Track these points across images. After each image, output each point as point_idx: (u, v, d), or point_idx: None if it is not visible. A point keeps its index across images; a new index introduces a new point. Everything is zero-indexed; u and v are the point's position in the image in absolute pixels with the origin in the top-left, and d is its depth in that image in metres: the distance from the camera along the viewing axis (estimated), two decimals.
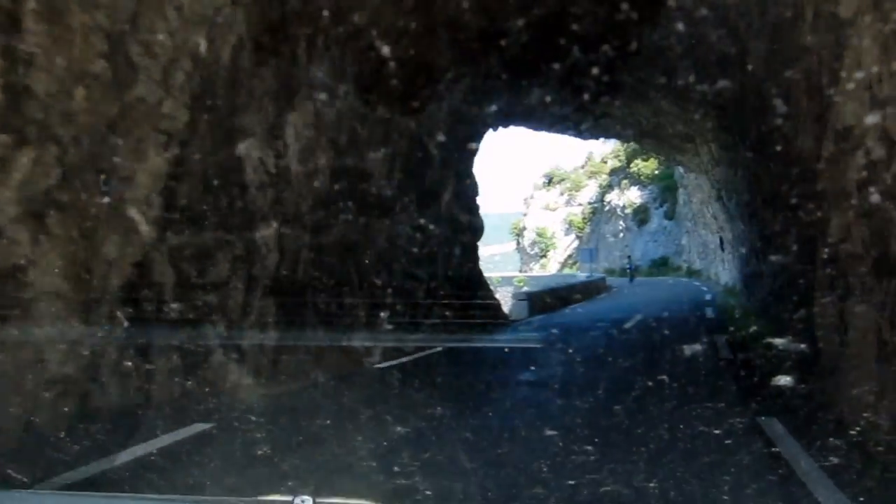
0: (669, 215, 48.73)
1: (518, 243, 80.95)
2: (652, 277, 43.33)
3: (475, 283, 15.48)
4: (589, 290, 27.03)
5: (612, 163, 66.49)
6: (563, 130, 19.51)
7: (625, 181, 58.16)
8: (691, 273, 38.87)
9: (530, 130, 19.83)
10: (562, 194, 76.72)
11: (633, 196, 56.31)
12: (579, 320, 15.50)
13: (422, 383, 7.66)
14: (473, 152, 15.50)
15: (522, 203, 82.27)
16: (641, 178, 55.24)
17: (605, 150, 72.85)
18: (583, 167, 76.77)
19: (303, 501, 1.31)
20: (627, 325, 14.22)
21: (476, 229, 15.64)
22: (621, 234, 57.09)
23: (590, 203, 69.71)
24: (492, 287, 53.69)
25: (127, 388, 5.71)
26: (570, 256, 70.19)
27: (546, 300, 19.85)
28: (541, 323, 15.35)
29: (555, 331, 13.41)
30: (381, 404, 6.12)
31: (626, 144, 60.67)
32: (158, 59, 5.84)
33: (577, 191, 73.87)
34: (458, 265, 14.47)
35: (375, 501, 1.83)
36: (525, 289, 37.56)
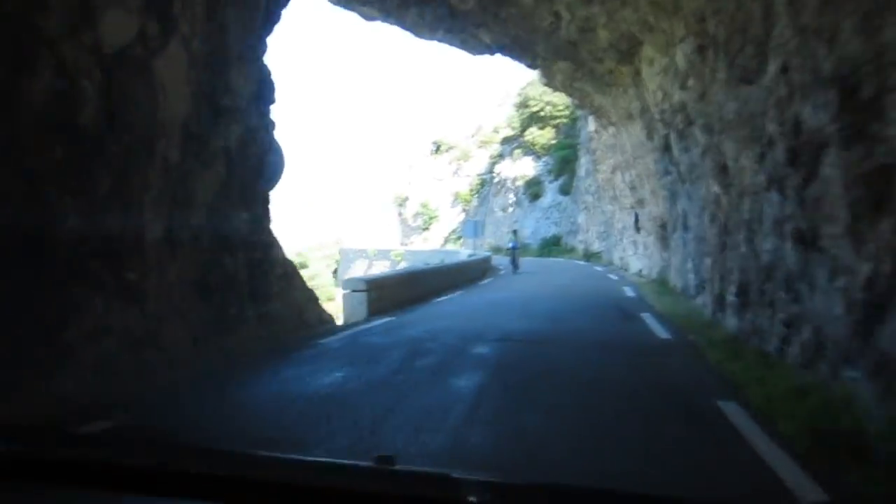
0: (565, 190, 43.35)
1: (400, 214, 74.47)
2: (543, 258, 37.68)
3: (261, 265, 8.33)
4: (469, 272, 20.52)
5: (506, 132, 60.79)
6: (444, 30, 12.52)
7: (517, 150, 52.43)
8: (588, 256, 33.45)
9: (397, 28, 12.73)
10: (449, 164, 70.84)
11: (525, 167, 50.69)
12: (446, 334, 8.72)
13: None
14: (257, 22, 8.15)
15: (407, 170, 75.71)
16: (536, 147, 49.64)
17: (498, 119, 67.04)
18: (473, 136, 70.99)
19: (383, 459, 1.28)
20: (532, 350, 7.64)
21: (262, 167, 8.41)
22: (511, 209, 51.44)
23: (479, 175, 64.10)
24: (367, 261, 46.46)
25: None
26: (454, 230, 64.54)
27: (402, 290, 13.03)
28: (377, 340, 8.44)
29: (385, 367, 6.57)
30: None
31: (520, 111, 54.85)
32: None
33: (465, 161, 68.06)
34: (216, 230, 7.30)
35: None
36: (379, 269, 30.68)
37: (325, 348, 7.79)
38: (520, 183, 49.87)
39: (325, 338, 8.57)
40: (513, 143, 54.34)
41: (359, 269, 61.68)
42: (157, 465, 1.23)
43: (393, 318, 10.62)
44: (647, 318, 10.85)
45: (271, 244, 8.73)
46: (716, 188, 9.42)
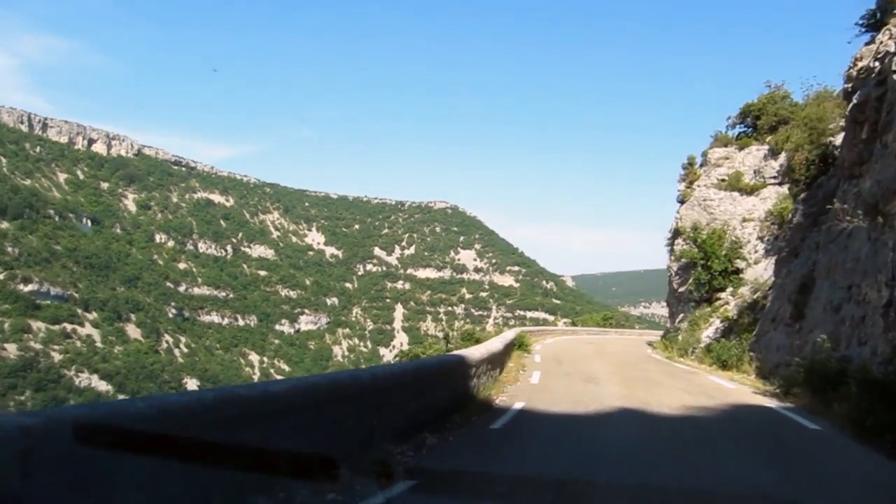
0: None
1: (670, 261, 39.02)
2: None
3: None
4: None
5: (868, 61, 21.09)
6: None
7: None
8: None
9: None
10: (764, 158, 33.84)
11: None
12: None
13: None
14: None
15: (680, 180, 39.70)
16: None
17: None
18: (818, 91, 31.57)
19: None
20: None
21: None
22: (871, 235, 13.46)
23: (807, 160, 25.50)
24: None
25: None
26: (750, 307, 26.98)
27: None
28: None
29: None
30: None
31: None
32: None
33: (812, 140, 29.17)
34: None
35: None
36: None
37: None
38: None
39: None
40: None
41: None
42: None
43: None
44: None
45: None
46: None
